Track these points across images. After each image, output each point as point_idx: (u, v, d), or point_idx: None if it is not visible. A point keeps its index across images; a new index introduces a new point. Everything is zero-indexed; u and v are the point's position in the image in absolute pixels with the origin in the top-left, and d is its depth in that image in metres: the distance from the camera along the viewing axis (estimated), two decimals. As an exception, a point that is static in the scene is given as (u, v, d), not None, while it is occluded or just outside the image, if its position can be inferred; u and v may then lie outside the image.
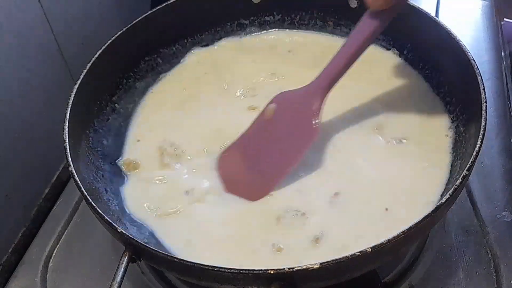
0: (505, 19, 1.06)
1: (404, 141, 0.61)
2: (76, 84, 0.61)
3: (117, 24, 0.66)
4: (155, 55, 0.73)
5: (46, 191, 0.74)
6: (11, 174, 0.68)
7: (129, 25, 0.68)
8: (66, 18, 0.75)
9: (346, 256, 0.43)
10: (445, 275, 0.59)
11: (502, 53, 0.86)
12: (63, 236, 0.68)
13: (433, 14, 0.63)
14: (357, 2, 0.70)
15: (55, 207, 0.72)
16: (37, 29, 0.69)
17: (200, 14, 0.74)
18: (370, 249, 0.44)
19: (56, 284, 0.64)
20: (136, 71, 0.72)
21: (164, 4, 0.71)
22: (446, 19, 0.63)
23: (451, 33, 0.60)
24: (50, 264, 0.66)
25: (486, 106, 0.53)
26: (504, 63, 0.85)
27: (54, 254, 0.67)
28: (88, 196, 0.51)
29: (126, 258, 0.49)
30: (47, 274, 0.65)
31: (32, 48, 0.69)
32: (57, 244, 0.68)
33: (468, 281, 0.59)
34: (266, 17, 0.76)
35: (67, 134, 0.56)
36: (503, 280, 0.58)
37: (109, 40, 0.66)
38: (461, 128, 0.58)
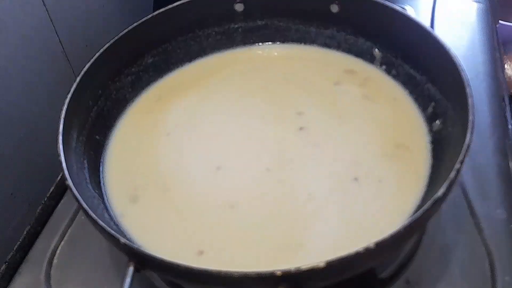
0: (500, 21, 1.08)
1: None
2: (74, 83, 0.61)
3: (121, 26, 0.67)
4: (157, 57, 0.74)
5: (51, 189, 0.75)
6: (16, 173, 0.68)
7: (130, 27, 0.68)
8: (70, 20, 0.75)
9: (349, 254, 0.43)
10: (440, 272, 0.60)
11: (497, 54, 0.87)
12: (67, 234, 0.69)
13: (428, 16, 0.64)
14: (338, 7, 0.69)
15: (59, 206, 0.73)
16: (41, 31, 0.70)
17: (204, 14, 0.75)
18: (374, 245, 0.43)
19: (60, 281, 0.64)
20: (136, 71, 0.72)
21: (166, 8, 0.71)
22: (442, 21, 0.63)
23: (431, 32, 0.60)
24: (54, 262, 0.66)
25: (472, 100, 0.52)
26: (499, 64, 0.86)
27: (58, 251, 0.67)
28: (88, 210, 0.49)
29: (131, 268, 0.47)
30: (51, 271, 0.65)
31: (37, 50, 0.70)
32: (61, 242, 0.68)
33: (463, 278, 0.59)
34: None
35: (62, 131, 0.56)
36: (498, 276, 0.59)
37: (109, 40, 0.66)
38: (450, 129, 0.59)
